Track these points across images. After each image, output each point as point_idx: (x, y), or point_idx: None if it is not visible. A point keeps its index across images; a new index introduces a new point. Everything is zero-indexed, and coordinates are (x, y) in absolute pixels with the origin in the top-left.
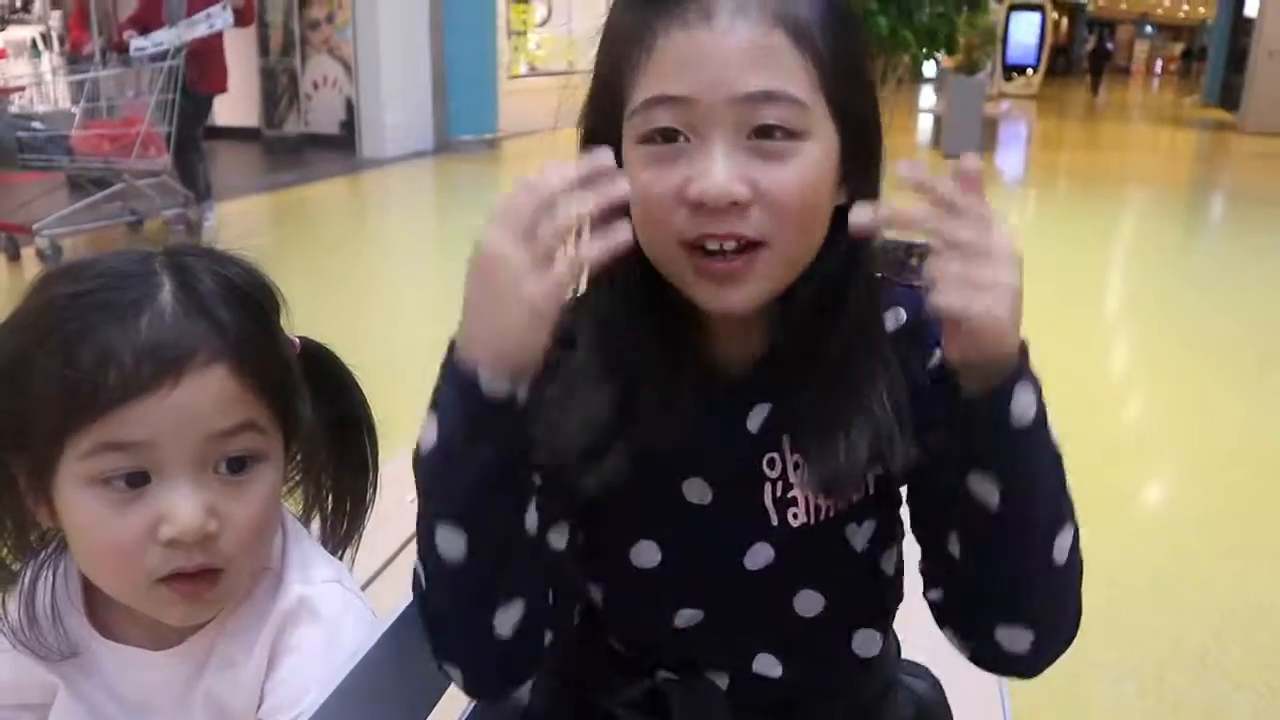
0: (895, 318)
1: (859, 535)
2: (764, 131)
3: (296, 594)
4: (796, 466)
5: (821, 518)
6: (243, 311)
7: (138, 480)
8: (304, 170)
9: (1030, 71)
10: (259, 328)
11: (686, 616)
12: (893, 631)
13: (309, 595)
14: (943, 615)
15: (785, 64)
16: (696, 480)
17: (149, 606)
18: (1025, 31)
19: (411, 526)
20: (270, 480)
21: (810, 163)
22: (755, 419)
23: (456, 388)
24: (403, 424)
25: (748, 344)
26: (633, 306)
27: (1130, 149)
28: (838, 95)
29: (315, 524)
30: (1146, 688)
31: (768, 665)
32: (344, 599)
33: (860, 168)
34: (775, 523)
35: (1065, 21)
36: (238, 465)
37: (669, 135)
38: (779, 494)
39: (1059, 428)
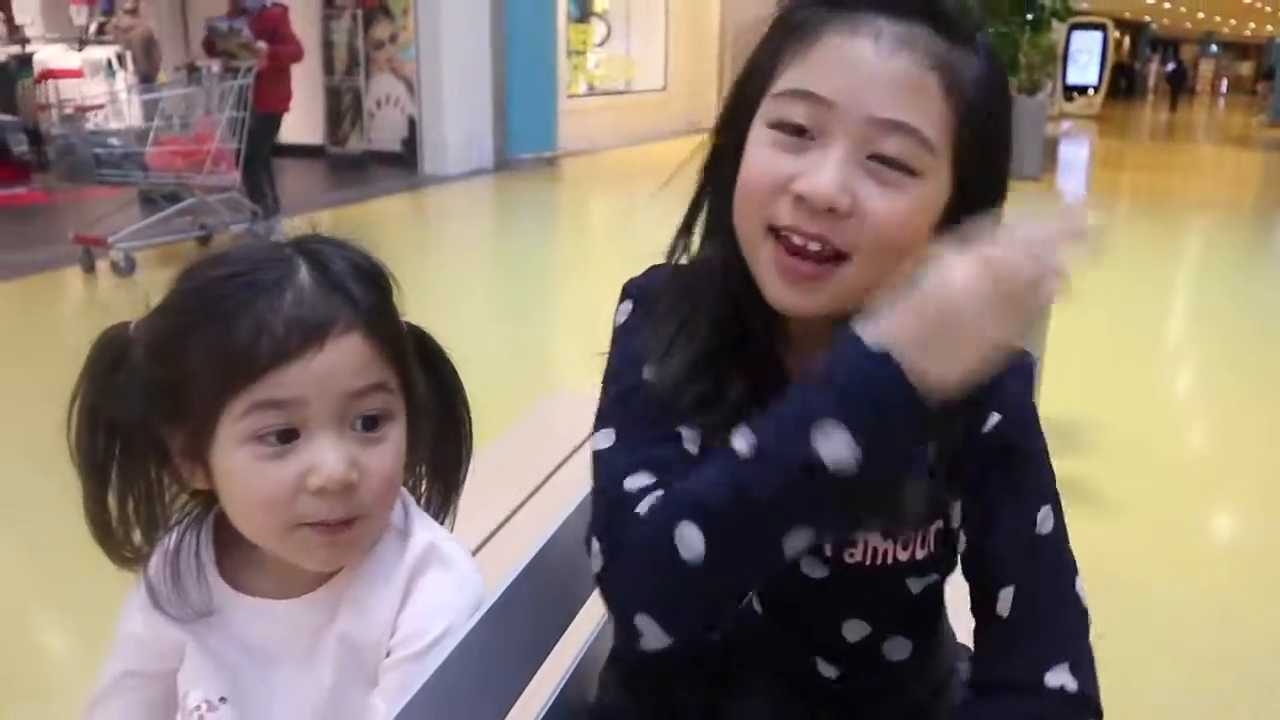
0: None
1: (919, 584)
2: (885, 159)
3: (426, 541)
4: None
5: (879, 562)
6: (370, 287)
7: (288, 436)
8: (366, 187)
9: (1091, 92)
10: (384, 301)
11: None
12: (941, 628)
13: (437, 544)
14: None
15: (928, 106)
16: None
17: (293, 550)
18: (1086, 50)
19: (499, 516)
20: (398, 438)
21: (919, 201)
22: None
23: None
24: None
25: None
26: (724, 314)
27: (1193, 170)
28: (966, 157)
29: None
30: (1214, 717)
31: (824, 669)
32: (464, 553)
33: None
34: (829, 554)
35: (1128, 40)
36: (371, 423)
37: (797, 130)
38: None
39: (1128, 450)
